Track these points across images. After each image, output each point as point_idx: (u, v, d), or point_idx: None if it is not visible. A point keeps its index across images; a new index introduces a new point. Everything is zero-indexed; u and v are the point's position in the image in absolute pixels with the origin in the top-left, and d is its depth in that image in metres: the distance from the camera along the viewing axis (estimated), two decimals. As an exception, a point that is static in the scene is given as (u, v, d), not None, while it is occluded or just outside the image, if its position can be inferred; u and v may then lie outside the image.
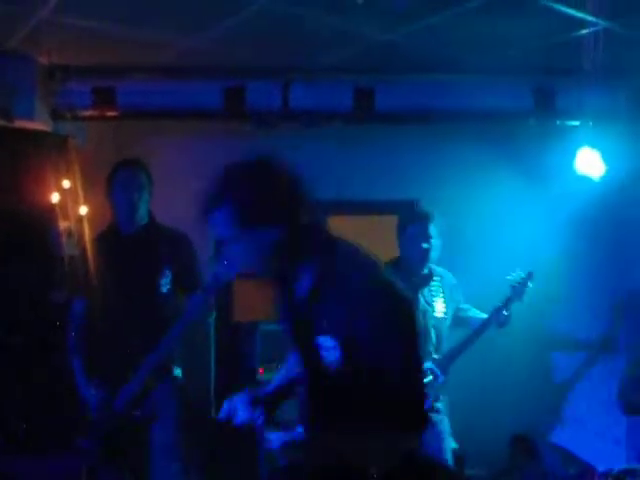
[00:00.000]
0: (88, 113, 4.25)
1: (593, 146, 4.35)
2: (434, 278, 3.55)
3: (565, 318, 4.91)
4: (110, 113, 4.25)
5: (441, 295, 3.55)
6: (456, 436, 4.29)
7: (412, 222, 3.46)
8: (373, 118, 4.34)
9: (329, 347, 1.94)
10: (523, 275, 3.57)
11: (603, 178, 4.37)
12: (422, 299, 3.48)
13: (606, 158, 4.33)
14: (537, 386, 4.78)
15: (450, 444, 3.59)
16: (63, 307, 3.97)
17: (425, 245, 3.41)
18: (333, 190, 4.91)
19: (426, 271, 3.51)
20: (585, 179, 4.44)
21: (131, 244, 3.36)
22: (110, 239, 3.42)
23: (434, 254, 3.47)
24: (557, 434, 4.59)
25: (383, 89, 4.26)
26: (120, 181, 3.36)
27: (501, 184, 4.68)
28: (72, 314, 3.42)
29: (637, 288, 4.87)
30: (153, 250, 3.36)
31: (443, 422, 3.50)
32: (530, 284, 3.56)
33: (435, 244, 3.45)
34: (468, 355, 4.20)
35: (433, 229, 3.45)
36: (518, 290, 3.54)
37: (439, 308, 3.52)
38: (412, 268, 3.47)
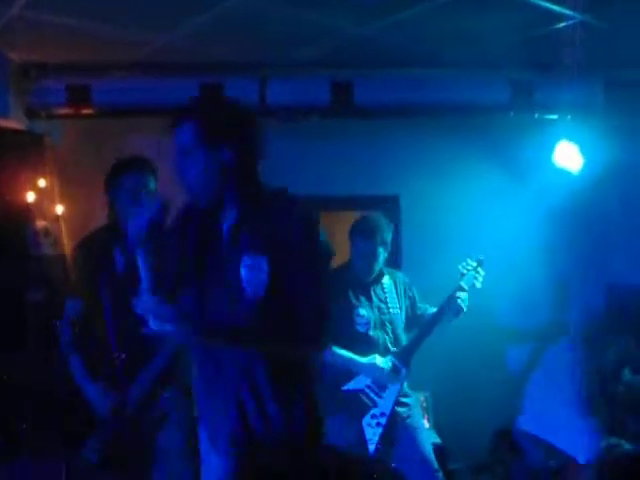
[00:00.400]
0: (63, 111, 4.20)
1: (571, 139, 4.38)
2: (384, 277, 3.62)
3: (550, 309, 4.94)
4: (86, 111, 4.21)
5: (394, 292, 3.62)
6: (439, 431, 4.32)
7: (361, 239, 3.52)
8: (351, 112, 4.32)
9: (255, 267, 2.14)
10: (473, 262, 3.60)
11: (581, 171, 4.40)
12: (374, 297, 3.56)
13: (584, 151, 4.36)
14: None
15: (428, 438, 3.60)
16: (40, 307, 3.94)
17: (372, 262, 3.52)
18: (313, 186, 4.90)
19: (375, 274, 3.59)
20: (563, 172, 4.47)
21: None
22: (110, 238, 3.32)
23: (382, 260, 3.57)
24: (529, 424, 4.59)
25: (361, 83, 4.24)
26: (129, 186, 3.17)
27: (480, 178, 4.70)
28: (67, 313, 3.31)
29: (614, 282, 4.90)
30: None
31: (413, 417, 3.52)
32: (481, 271, 3.60)
33: (382, 255, 3.55)
34: (450, 352, 4.24)
35: (380, 242, 3.52)
36: (468, 277, 3.57)
37: (392, 304, 3.58)
38: (361, 274, 3.58)
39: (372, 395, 3.44)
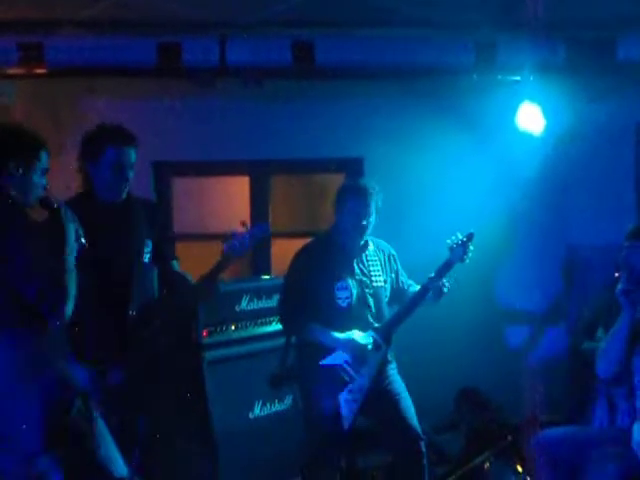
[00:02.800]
0: (14, 70, 4.05)
1: (533, 100, 4.39)
2: (369, 248, 3.51)
3: (511, 286, 4.95)
4: (38, 70, 4.06)
5: (378, 264, 3.50)
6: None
7: (354, 196, 3.38)
8: (314, 73, 4.25)
9: None
10: (462, 237, 3.52)
11: (543, 134, 4.41)
12: (357, 269, 3.45)
13: (546, 113, 4.37)
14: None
15: (411, 405, 3.46)
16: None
17: (364, 222, 3.38)
18: (277, 149, 4.86)
19: (362, 243, 3.48)
20: (526, 135, 4.48)
21: (112, 213, 3.18)
22: (86, 207, 3.15)
23: (371, 225, 3.44)
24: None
25: (323, 43, 4.16)
26: (114, 160, 3.07)
27: (443, 140, 4.68)
28: None
29: (575, 244, 4.96)
30: (134, 220, 3.23)
31: (394, 384, 3.46)
32: (471, 246, 3.48)
33: (372, 219, 3.42)
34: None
35: (373, 203, 3.39)
36: (457, 252, 3.46)
37: (376, 277, 3.48)
38: (348, 239, 3.44)
39: (350, 371, 3.35)
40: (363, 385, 3.35)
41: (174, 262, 3.39)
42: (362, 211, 3.37)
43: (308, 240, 3.62)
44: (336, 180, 4.15)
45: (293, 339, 3.49)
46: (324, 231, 3.57)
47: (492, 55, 4.25)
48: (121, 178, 3.11)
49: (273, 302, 4.01)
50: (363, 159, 4.88)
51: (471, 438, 4.36)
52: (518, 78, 4.37)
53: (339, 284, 3.38)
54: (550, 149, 4.47)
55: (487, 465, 3.93)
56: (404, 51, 4.28)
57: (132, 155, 3.13)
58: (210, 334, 3.87)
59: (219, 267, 3.27)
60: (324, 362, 3.37)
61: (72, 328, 3.10)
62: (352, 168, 4.86)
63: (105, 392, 3.02)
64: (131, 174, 3.17)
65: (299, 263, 3.49)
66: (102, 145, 3.08)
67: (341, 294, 3.39)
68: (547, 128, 4.36)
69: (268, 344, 3.98)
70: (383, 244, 3.61)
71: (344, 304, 3.38)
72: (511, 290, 4.95)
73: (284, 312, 3.54)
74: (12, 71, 4.07)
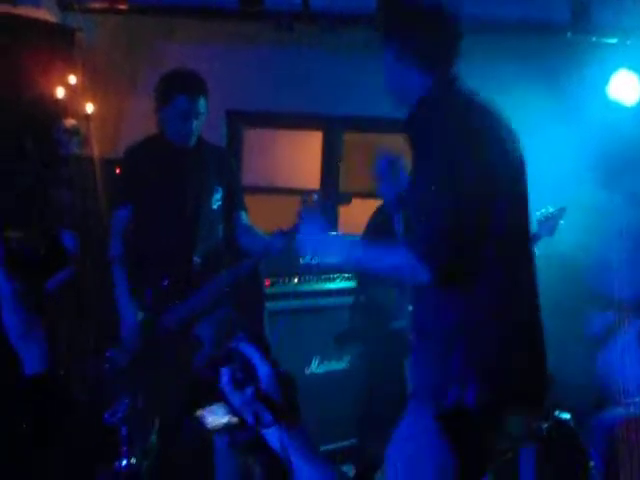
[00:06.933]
0: (97, 5, 4.05)
1: (630, 68, 4.13)
2: None
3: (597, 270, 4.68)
4: (120, 6, 4.04)
5: None
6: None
7: None
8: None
9: None
10: (553, 210, 3.36)
11: (637, 104, 4.15)
12: None
13: (642, 82, 4.10)
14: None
15: None
16: (65, 208, 3.85)
17: None
18: (353, 105, 4.69)
19: None
20: (618, 105, 4.21)
21: (185, 158, 3.19)
22: (157, 149, 3.22)
23: None
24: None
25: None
26: (183, 108, 3.08)
27: (529, 105, 4.42)
28: (116, 221, 3.19)
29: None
30: (206, 166, 3.23)
31: None
32: (561, 221, 3.37)
33: None
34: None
35: None
36: (546, 226, 3.34)
37: None
38: None
39: None
40: None
41: (243, 212, 3.33)
42: None
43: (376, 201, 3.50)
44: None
45: (362, 298, 3.41)
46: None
47: (588, 13, 4.01)
48: (188, 126, 3.10)
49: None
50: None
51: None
52: (615, 41, 4.12)
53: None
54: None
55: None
56: (490, 3, 4.07)
57: (201, 104, 3.11)
58: (272, 285, 3.80)
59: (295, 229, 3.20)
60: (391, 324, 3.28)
61: (137, 269, 3.12)
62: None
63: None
64: (200, 122, 3.14)
65: (379, 216, 3.44)
66: (172, 92, 3.08)
67: None
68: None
69: (330, 301, 3.88)
70: None
71: None
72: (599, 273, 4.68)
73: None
74: (94, 5, 4.05)
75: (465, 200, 1.93)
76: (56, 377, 1.43)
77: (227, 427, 1.21)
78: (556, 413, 3.07)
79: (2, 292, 1.44)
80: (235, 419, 1.22)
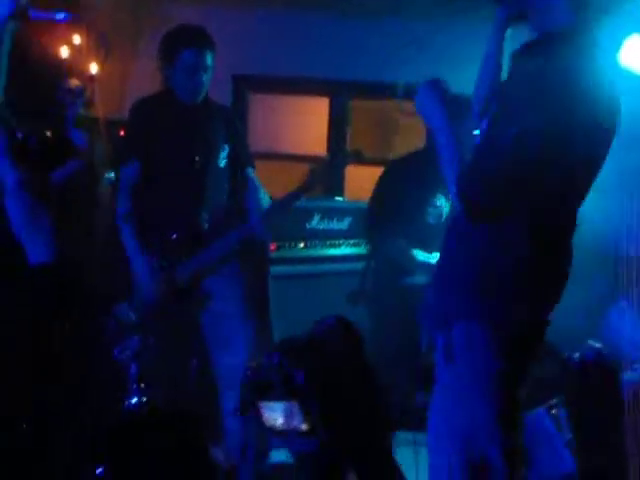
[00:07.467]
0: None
1: (642, 34, 4.05)
2: None
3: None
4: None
5: None
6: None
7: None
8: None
9: None
10: None
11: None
12: None
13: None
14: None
15: None
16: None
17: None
18: (360, 70, 4.62)
19: None
20: (630, 74, 4.14)
21: (193, 114, 3.16)
22: (164, 106, 3.17)
23: None
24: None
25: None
26: (189, 62, 3.04)
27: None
28: (123, 177, 3.16)
29: None
30: (213, 123, 3.20)
31: None
32: None
33: None
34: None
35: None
36: None
37: None
38: None
39: None
40: None
41: (250, 169, 3.32)
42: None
43: (380, 168, 3.53)
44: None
45: (372, 263, 3.39)
46: (419, 148, 3.43)
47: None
48: (196, 81, 3.06)
49: (344, 224, 3.91)
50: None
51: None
52: (628, 5, 4.04)
53: (432, 200, 3.29)
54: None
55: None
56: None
57: (208, 58, 3.06)
58: (278, 249, 3.78)
59: (299, 191, 3.19)
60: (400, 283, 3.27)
61: (146, 226, 3.10)
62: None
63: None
64: (208, 77, 3.10)
65: (393, 174, 3.42)
66: (179, 46, 3.03)
67: (433, 211, 3.30)
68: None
69: (335, 267, 3.88)
70: None
71: (434, 221, 3.28)
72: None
73: (371, 223, 3.47)
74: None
75: (548, 164, 1.73)
76: (65, 266, 1.41)
77: (290, 431, 1.16)
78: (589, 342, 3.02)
79: (6, 180, 1.41)
80: (303, 426, 1.17)
